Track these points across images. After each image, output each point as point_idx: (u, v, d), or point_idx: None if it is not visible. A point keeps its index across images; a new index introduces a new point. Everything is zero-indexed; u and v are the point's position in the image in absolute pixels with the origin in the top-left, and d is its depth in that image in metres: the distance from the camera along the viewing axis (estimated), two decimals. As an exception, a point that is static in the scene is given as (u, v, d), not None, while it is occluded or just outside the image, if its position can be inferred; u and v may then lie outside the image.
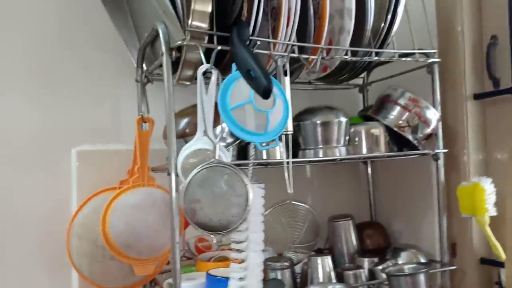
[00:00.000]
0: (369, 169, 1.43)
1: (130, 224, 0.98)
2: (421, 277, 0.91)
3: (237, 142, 0.93)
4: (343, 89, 1.39)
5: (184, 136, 0.88)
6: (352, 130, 1.08)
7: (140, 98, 1.07)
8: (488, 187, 1.06)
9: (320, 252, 1.29)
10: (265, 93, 0.69)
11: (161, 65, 0.91)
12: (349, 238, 1.23)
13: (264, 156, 1.00)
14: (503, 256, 1.07)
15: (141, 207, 1.00)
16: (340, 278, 1.08)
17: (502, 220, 1.09)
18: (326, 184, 1.43)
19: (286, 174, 0.87)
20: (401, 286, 0.92)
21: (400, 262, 1.14)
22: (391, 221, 1.39)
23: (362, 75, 1.37)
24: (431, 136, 1.11)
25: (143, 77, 1.06)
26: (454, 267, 1.14)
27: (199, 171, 0.76)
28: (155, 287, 1.12)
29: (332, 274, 1.05)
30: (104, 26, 1.10)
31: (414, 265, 0.99)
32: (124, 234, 0.98)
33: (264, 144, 0.81)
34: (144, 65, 1.07)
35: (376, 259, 1.15)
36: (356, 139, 1.09)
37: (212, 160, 0.78)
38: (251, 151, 0.85)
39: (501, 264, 1.10)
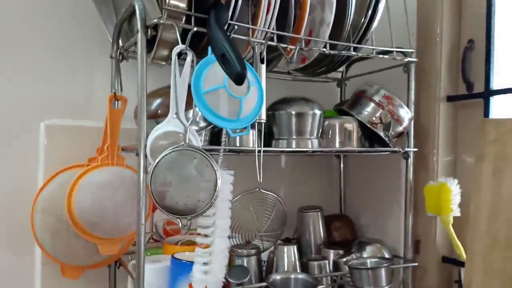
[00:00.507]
0: (342, 163, 1.44)
1: (96, 202, 0.97)
2: (382, 272, 0.93)
3: (210, 127, 0.93)
4: (321, 82, 1.39)
5: (156, 117, 0.87)
6: (326, 123, 1.09)
7: (114, 75, 1.05)
8: (454, 188, 1.09)
9: (288, 241, 1.31)
10: (238, 78, 0.69)
11: (136, 43, 0.89)
12: (317, 229, 1.25)
13: (238, 143, 0.99)
14: (464, 255, 1.10)
15: (108, 186, 0.99)
16: (305, 268, 1.09)
17: (465, 220, 1.11)
18: (299, 175, 1.44)
19: (257, 163, 0.87)
20: (362, 279, 0.93)
21: (364, 255, 1.16)
22: (360, 215, 1.41)
23: (340, 69, 1.38)
24: (402, 135, 1.12)
25: (118, 53, 1.03)
26: (416, 264, 1.17)
27: (168, 154, 0.75)
28: (119, 268, 1.11)
29: (297, 263, 1.06)
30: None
31: (376, 260, 1.00)
32: (89, 212, 0.96)
33: (236, 131, 0.81)
34: (120, 41, 1.05)
35: (341, 251, 1.16)
36: (330, 132, 1.09)
37: (182, 143, 0.77)
38: (223, 137, 0.84)
39: (461, 264, 1.13)
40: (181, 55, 0.83)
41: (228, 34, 0.81)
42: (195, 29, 0.80)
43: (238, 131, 0.82)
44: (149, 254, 1.12)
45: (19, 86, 1.07)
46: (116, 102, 1.05)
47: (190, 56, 0.79)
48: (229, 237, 0.99)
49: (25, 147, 1.08)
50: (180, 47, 0.79)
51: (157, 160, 0.75)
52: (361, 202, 1.41)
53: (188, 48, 0.79)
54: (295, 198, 1.41)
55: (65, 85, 1.12)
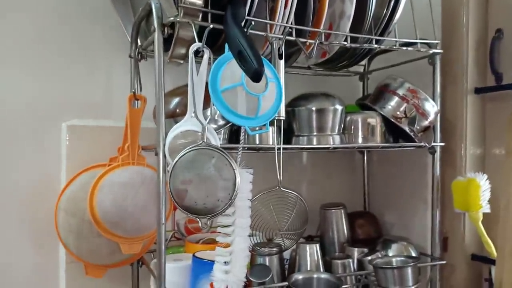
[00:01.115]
0: (365, 159, 1.41)
1: (117, 202, 0.97)
2: (408, 271, 0.90)
3: (229, 125, 0.91)
4: (343, 76, 1.36)
5: (174, 116, 0.87)
6: (348, 118, 1.06)
7: (133, 74, 1.05)
8: (483, 184, 1.05)
9: (311, 239, 1.29)
10: (255, 76, 0.67)
11: (153, 42, 0.89)
12: (340, 227, 1.22)
13: (257, 141, 0.98)
14: (494, 253, 1.06)
15: (129, 186, 0.99)
16: (328, 267, 1.07)
17: (495, 217, 1.07)
18: (321, 171, 1.42)
19: (276, 160, 0.85)
20: (387, 279, 0.91)
21: (390, 254, 1.13)
22: (384, 212, 1.37)
23: (363, 63, 1.34)
24: (428, 129, 1.08)
25: (136, 53, 1.03)
26: (444, 262, 1.13)
27: (186, 153, 0.75)
28: (142, 266, 1.11)
29: (320, 262, 1.04)
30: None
31: (402, 258, 0.98)
32: (111, 212, 0.97)
33: (255, 129, 0.79)
34: (139, 41, 1.05)
35: (366, 250, 1.14)
36: (352, 127, 1.06)
37: (200, 142, 0.76)
38: (241, 135, 0.83)
39: (492, 261, 1.09)
40: (198, 53, 0.82)
41: (245, 30, 0.79)
42: (211, 26, 0.79)
43: (257, 128, 0.80)
44: (171, 252, 1.12)
45: (41, 87, 1.08)
46: (136, 101, 1.05)
47: (207, 54, 0.78)
48: (250, 236, 0.99)
49: (48, 148, 1.09)
50: (196, 45, 0.78)
51: (175, 160, 0.74)
52: (386, 198, 1.38)
53: (205, 46, 0.78)
54: (318, 195, 1.39)
55: (86, 86, 1.13)
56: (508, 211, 0.99)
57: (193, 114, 0.79)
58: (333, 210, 1.22)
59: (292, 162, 1.38)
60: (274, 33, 0.89)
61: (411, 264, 0.90)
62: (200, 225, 0.75)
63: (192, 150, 0.75)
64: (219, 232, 0.82)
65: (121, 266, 1.07)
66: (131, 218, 0.98)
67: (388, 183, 1.37)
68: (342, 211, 1.22)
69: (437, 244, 1.14)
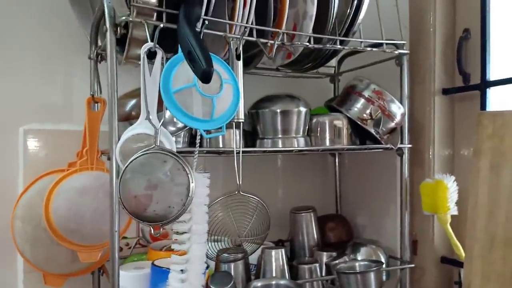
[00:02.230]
0: (337, 162, 1.40)
1: (73, 208, 0.94)
2: (371, 276, 0.88)
3: (187, 128, 0.89)
4: (314, 78, 1.35)
5: (130, 119, 0.84)
6: (314, 120, 1.04)
7: (92, 76, 1.02)
8: (451, 185, 1.04)
9: (281, 244, 1.27)
10: (204, 76, 0.64)
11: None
12: (310, 230, 1.20)
13: (220, 144, 0.95)
14: (463, 256, 1.05)
15: (86, 192, 0.96)
16: (295, 272, 1.05)
17: (463, 219, 1.06)
18: (293, 175, 1.40)
19: (235, 164, 0.82)
20: (350, 284, 0.89)
21: (359, 257, 1.12)
22: (356, 215, 1.36)
23: (333, 65, 1.33)
24: (395, 131, 1.07)
25: (95, 54, 1.00)
26: (413, 265, 1.12)
27: (137, 157, 0.72)
28: (103, 275, 1.08)
29: (286, 268, 1.01)
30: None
31: (366, 263, 0.96)
32: (67, 218, 0.94)
33: (211, 132, 0.77)
34: (99, 42, 1.01)
35: (334, 254, 1.12)
36: (318, 130, 1.04)
37: (153, 146, 0.73)
38: (197, 138, 0.80)
39: (461, 264, 1.07)
40: (154, 54, 0.79)
41: (199, 30, 0.77)
42: (161, 25, 0.76)
43: (212, 131, 0.78)
44: (136, 259, 1.09)
45: (-3, 91, 1.04)
46: (95, 104, 1.01)
47: (159, 55, 0.75)
48: (216, 241, 0.97)
49: (4, 153, 1.05)
50: (148, 45, 0.75)
51: (125, 165, 0.71)
52: (357, 201, 1.36)
53: (157, 45, 0.75)
54: (290, 198, 1.37)
55: (44, 88, 1.09)
56: (475, 212, 0.98)
57: (146, 117, 0.75)
58: (302, 214, 1.20)
59: (264, 165, 1.36)
60: (234, 34, 0.87)
61: (374, 269, 0.88)
62: (152, 232, 0.72)
63: (143, 155, 0.72)
64: (174, 240, 0.79)
65: (81, 275, 1.04)
66: (88, 225, 0.95)
67: (360, 186, 1.36)
68: (312, 214, 1.20)
69: (406, 247, 1.13)
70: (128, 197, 0.71)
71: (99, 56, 1.01)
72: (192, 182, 0.73)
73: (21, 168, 1.06)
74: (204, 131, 0.75)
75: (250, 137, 1.03)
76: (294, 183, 1.40)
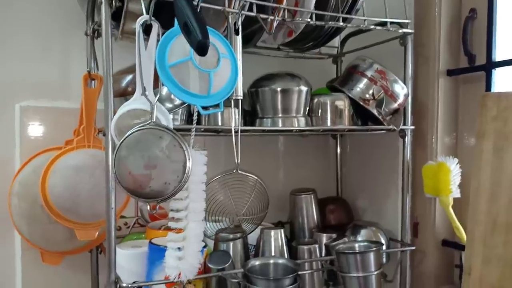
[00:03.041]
0: (338, 144, 1.38)
1: (70, 186, 0.93)
2: (370, 256, 0.87)
3: (185, 105, 0.87)
4: (316, 59, 1.32)
5: (126, 95, 0.82)
6: (315, 100, 1.02)
7: (89, 52, 1.00)
8: (454, 168, 1.02)
9: (281, 225, 1.26)
10: (200, 48, 0.62)
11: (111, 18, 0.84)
12: (310, 212, 1.19)
13: (219, 122, 0.93)
14: (465, 239, 1.04)
15: (83, 169, 0.94)
16: (294, 253, 1.04)
17: (465, 202, 1.05)
18: (294, 157, 1.39)
19: (234, 143, 0.81)
20: (349, 264, 0.88)
21: (359, 239, 1.11)
22: (357, 197, 1.35)
23: (336, 45, 1.30)
24: (398, 112, 1.05)
25: (92, 29, 0.98)
26: (413, 248, 1.11)
27: (132, 133, 0.70)
28: (101, 253, 1.07)
29: (285, 248, 1.00)
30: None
31: (365, 243, 0.94)
32: (64, 196, 0.93)
33: (208, 108, 0.75)
34: (96, 17, 0.99)
35: (334, 235, 1.11)
36: (320, 110, 1.03)
37: (149, 121, 0.72)
38: (194, 115, 0.78)
39: (463, 247, 1.06)
40: (150, 28, 0.77)
41: (197, 3, 0.74)
42: (157, -3, 0.73)
43: (210, 108, 0.76)
44: (135, 238, 1.08)
45: (-9, 67, 1.03)
46: (92, 81, 1.00)
47: (155, 28, 0.73)
48: (216, 221, 0.96)
49: (1, 130, 1.04)
50: (144, 17, 0.73)
51: (120, 141, 0.70)
52: (358, 184, 1.35)
53: (153, 18, 0.73)
54: (291, 181, 1.36)
55: (41, 65, 1.07)
56: (477, 194, 0.96)
57: (142, 93, 0.74)
58: (302, 196, 1.19)
59: (264, 147, 1.34)
60: (233, 8, 0.84)
61: (373, 249, 0.87)
62: (148, 209, 0.71)
63: (138, 130, 0.70)
64: (171, 218, 0.77)
65: (79, 253, 1.03)
66: (85, 203, 0.94)
67: (361, 168, 1.34)
68: (312, 196, 1.19)
69: (407, 229, 1.11)
70: (124, 173, 0.70)
71: (96, 32, 1.00)
72: (189, 159, 0.72)
73: (18, 145, 1.05)
74: (201, 107, 0.73)
75: (250, 116, 1.02)
76: (295, 165, 1.39)
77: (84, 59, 1.02)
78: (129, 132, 0.70)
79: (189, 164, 0.72)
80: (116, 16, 0.84)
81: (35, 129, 1.05)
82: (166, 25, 0.79)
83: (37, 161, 0.99)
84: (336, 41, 1.28)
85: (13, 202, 0.98)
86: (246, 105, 1.02)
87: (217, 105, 0.76)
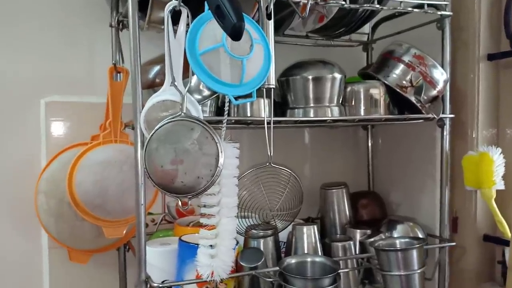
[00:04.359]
0: (369, 135, 1.32)
1: (98, 182, 0.91)
2: (413, 253, 0.82)
3: (215, 96, 0.83)
4: (345, 47, 1.27)
5: (153, 86, 0.79)
6: (348, 89, 0.97)
7: (114, 45, 0.97)
8: (497, 158, 0.97)
9: (311, 221, 1.22)
10: (234, 32, 0.58)
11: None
12: (342, 207, 1.14)
13: (248, 113, 0.89)
14: (508, 233, 0.98)
15: (110, 165, 0.92)
16: (328, 250, 0.99)
17: (509, 194, 0.99)
18: (323, 149, 1.34)
19: (266, 135, 0.77)
20: (390, 262, 0.83)
21: (395, 235, 1.06)
22: (390, 191, 1.29)
23: (366, 31, 1.25)
24: (437, 99, 0.99)
25: (116, 21, 0.95)
26: (453, 244, 1.05)
27: (163, 125, 0.67)
28: (129, 251, 1.05)
29: (318, 245, 0.96)
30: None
31: (406, 240, 0.89)
32: (91, 193, 0.91)
33: (240, 98, 0.71)
34: (120, 8, 0.96)
35: (369, 231, 1.06)
36: (353, 99, 0.98)
37: (179, 113, 0.68)
38: (226, 106, 0.74)
39: (505, 242, 1.01)
40: (179, 15, 0.73)
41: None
42: (187, -20, 0.69)
43: (242, 98, 0.72)
44: (161, 235, 1.05)
45: (15, 61, 1.01)
46: (117, 74, 0.97)
47: (184, 14, 0.70)
48: (244, 217, 0.92)
49: (26, 126, 1.02)
50: (172, 3, 0.69)
51: (150, 134, 0.66)
52: (392, 177, 1.29)
53: (182, 4, 0.69)
54: (320, 174, 1.31)
55: (65, 59, 1.05)
56: (524, 187, 0.91)
57: (171, 83, 0.70)
58: (334, 190, 1.14)
59: (292, 140, 1.30)
60: (263, -7, 0.80)
61: (417, 246, 0.82)
62: (179, 205, 0.67)
63: (168, 122, 0.67)
64: (203, 214, 0.74)
65: (106, 251, 1.01)
66: (113, 200, 0.91)
67: (394, 160, 1.28)
68: (344, 190, 1.14)
69: (446, 224, 1.06)
70: (154, 168, 0.66)
71: (121, 24, 0.97)
72: (222, 152, 0.68)
73: (44, 142, 1.03)
74: (233, 97, 0.69)
75: (279, 107, 0.97)
76: (323, 158, 1.34)
77: (109, 52, 0.99)
78: (159, 124, 0.67)
79: (221, 157, 0.68)
80: (141, 6, 0.81)
81: (61, 125, 1.04)
82: (194, 12, 0.76)
83: (63, 157, 0.97)
84: (366, 28, 1.22)
85: (39, 199, 0.96)
86: (276, 96, 0.97)
87: (249, 95, 0.72)
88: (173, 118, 0.67)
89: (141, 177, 0.73)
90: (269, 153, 0.78)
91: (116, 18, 0.96)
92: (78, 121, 1.04)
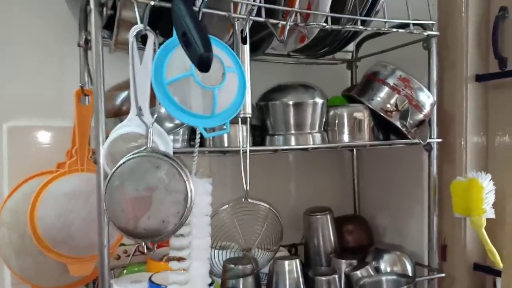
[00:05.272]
0: (355, 157, 1.27)
1: (61, 216, 0.84)
2: (401, 293, 0.77)
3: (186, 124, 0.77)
4: (328, 65, 1.22)
5: (120, 115, 0.73)
6: (331, 113, 0.92)
7: (82, 66, 0.90)
8: (486, 185, 0.93)
9: (295, 248, 1.16)
10: (202, 63, 0.53)
11: (104, 27, 0.75)
12: (326, 234, 1.09)
13: (225, 143, 0.83)
14: (499, 263, 0.93)
15: (76, 196, 0.85)
16: (311, 284, 0.93)
17: (500, 223, 0.94)
18: (307, 172, 1.29)
19: (242, 166, 0.71)
20: (377, 302, 0.78)
21: (382, 266, 1.01)
22: (376, 215, 1.24)
23: (350, 49, 1.20)
24: (423, 123, 0.94)
25: (84, 40, 0.88)
26: (443, 275, 1.00)
27: (125, 162, 0.60)
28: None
29: (301, 280, 0.90)
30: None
31: (394, 277, 0.84)
32: (55, 228, 0.84)
33: (213, 130, 0.65)
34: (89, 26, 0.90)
35: (354, 261, 1.00)
36: (336, 123, 0.92)
37: (144, 147, 0.62)
38: (197, 137, 0.68)
39: (496, 272, 0.96)
40: (145, 38, 0.67)
41: (198, 9, 0.65)
42: (152, 3, 0.64)
43: (216, 129, 0.66)
44: (136, 269, 0.98)
45: (-25, 83, 0.94)
46: (85, 97, 0.90)
47: (151, 39, 0.64)
48: (222, 248, 0.86)
49: (-13, 153, 0.95)
50: (138, 27, 0.63)
51: (112, 171, 0.60)
52: (378, 200, 1.24)
53: (149, 28, 0.63)
54: (303, 197, 1.26)
55: (31, 80, 0.98)
56: (515, 216, 0.87)
57: (137, 113, 0.64)
58: (318, 216, 1.09)
59: (274, 162, 1.24)
60: (239, 13, 0.74)
61: (405, 287, 0.77)
62: (144, 250, 0.61)
63: (132, 158, 0.60)
64: (172, 258, 0.67)
65: None
66: (78, 235, 0.84)
67: (380, 184, 1.23)
68: (328, 217, 1.09)
69: (435, 252, 1.01)
70: (116, 209, 0.60)
71: (89, 43, 0.90)
72: (191, 191, 0.62)
73: (6, 169, 0.96)
74: (205, 129, 0.63)
75: (259, 132, 0.92)
76: (308, 180, 1.28)
77: (77, 72, 0.93)
78: (121, 161, 0.60)
79: (191, 195, 0.62)
80: (110, 24, 0.75)
81: (24, 151, 0.96)
82: (166, 33, 0.70)
83: (27, 187, 0.90)
84: (350, 45, 1.18)
85: (1, 232, 0.89)
86: (255, 119, 0.92)
87: (222, 125, 0.66)
88: (136, 153, 0.61)
89: (105, 215, 0.67)
90: (245, 187, 0.72)
91: (85, 37, 0.89)
92: (43, 147, 0.97)
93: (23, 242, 0.87)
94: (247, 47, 0.71)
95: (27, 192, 0.89)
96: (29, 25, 0.97)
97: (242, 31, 0.70)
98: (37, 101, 0.98)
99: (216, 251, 0.84)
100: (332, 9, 0.84)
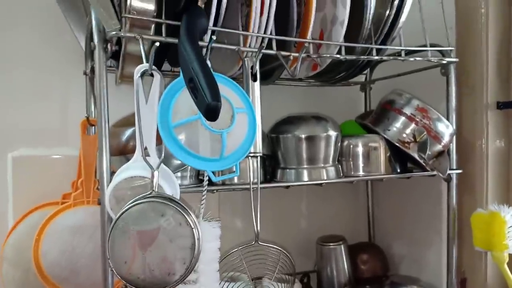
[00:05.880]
0: (370, 185, 1.23)
1: (66, 252, 0.82)
2: None
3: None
4: (341, 86, 1.18)
5: (126, 153, 0.70)
6: (345, 143, 0.89)
7: (88, 95, 0.88)
8: (509, 219, 0.88)
9: (307, 277, 1.12)
10: (209, 113, 0.49)
11: (111, 57, 0.73)
12: (340, 265, 1.05)
13: (235, 179, 0.79)
14: (523, 300, 0.88)
15: (81, 231, 0.83)
16: (325, 321, 0.90)
17: (524, 258, 0.89)
18: (320, 198, 1.24)
19: (252, 205, 0.67)
20: None
21: (398, 300, 0.96)
22: (392, 244, 1.19)
23: (364, 71, 1.16)
24: (442, 154, 0.90)
25: (90, 70, 0.86)
26: (463, 311, 0.96)
27: (127, 209, 0.57)
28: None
29: (314, 318, 0.86)
30: (50, 10, 0.91)
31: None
32: (60, 264, 0.82)
33: (221, 173, 0.62)
34: (95, 56, 0.88)
35: (370, 295, 0.96)
36: (350, 154, 0.89)
37: (149, 192, 0.59)
38: (205, 179, 0.65)
39: (519, 309, 0.91)
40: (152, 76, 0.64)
41: (207, 44, 0.62)
42: (157, 44, 0.61)
43: (225, 172, 0.63)
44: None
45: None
46: (91, 127, 0.88)
47: (157, 78, 0.61)
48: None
49: (-9, 183, 0.93)
50: (143, 66, 0.60)
51: (115, 219, 0.57)
52: (394, 229, 1.20)
53: (155, 68, 0.60)
54: (316, 222, 1.22)
55: (36, 109, 0.96)
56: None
57: (142, 154, 0.61)
58: (331, 246, 1.05)
59: (285, 191, 1.20)
60: (249, 47, 0.71)
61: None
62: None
63: (135, 205, 0.57)
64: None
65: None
66: (84, 271, 0.82)
67: (396, 212, 1.19)
68: (342, 246, 1.05)
69: (454, 286, 0.96)
70: (118, 259, 0.57)
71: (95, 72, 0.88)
72: (198, 238, 0.58)
73: (11, 200, 0.94)
74: (213, 172, 0.60)
75: (270, 162, 0.88)
76: (321, 207, 1.24)
77: (82, 102, 0.91)
78: (124, 208, 0.57)
79: (198, 243, 0.59)
80: (118, 54, 0.72)
81: (29, 181, 0.94)
82: (174, 62, 0.67)
83: (31, 219, 0.88)
84: (364, 67, 1.14)
85: (4, 268, 0.87)
86: (265, 148, 0.88)
87: (231, 168, 0.63)
88: (140, 199, 0.58)
89: (107, 262, 0.64)
90: (255, 229, 0.69)
91: (91, 66, 0.87)
92: (48, 177, 0.95)
93: (26, 279, 0.85)
94: (257, 84, 0.68)
95: (31, 226, 0.87)
96: (32, 52, 0.96)
97: (252, 68, 0.67)
98: (40, 130, 0.97)
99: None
100: (346, 36, 0.80)
